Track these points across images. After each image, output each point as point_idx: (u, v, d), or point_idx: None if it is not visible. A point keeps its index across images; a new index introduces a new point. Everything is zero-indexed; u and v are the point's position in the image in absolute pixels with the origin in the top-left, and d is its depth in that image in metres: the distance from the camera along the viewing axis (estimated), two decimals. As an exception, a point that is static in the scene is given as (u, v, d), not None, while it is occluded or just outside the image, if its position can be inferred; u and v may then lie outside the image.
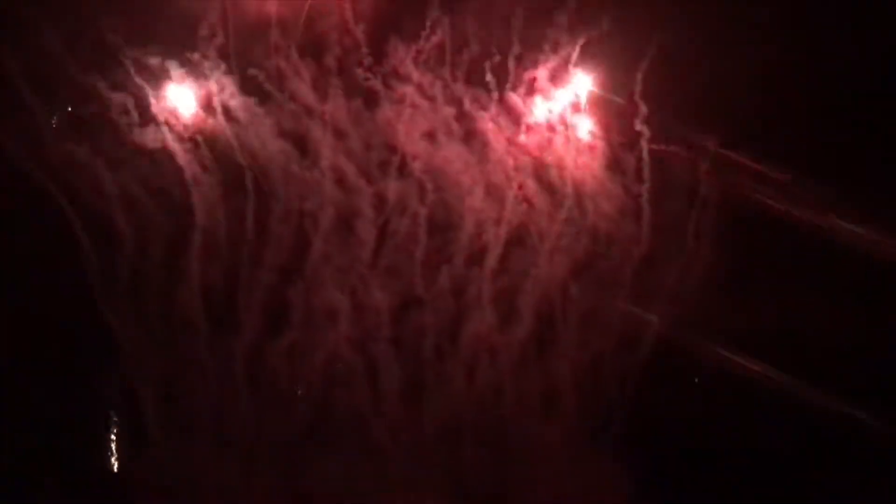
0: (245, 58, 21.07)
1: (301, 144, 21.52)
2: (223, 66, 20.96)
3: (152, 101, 21.01)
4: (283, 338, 21.72)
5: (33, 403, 20.97)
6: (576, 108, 21.43)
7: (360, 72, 20.96)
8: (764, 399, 21.30)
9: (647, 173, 21.37)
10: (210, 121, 21.25)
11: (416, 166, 21.51)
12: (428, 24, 20.74)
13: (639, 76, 20.72)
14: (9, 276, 20.80)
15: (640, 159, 21.33)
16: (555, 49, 20.88)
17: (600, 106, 21.47)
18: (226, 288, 21.68)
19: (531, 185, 21.62)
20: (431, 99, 21.17)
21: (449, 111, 21.23)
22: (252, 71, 21.04)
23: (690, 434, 21.31)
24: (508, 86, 21.16)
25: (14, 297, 20.87)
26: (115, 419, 21.86)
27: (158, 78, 20.89)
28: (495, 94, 21.21)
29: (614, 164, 21.43)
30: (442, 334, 21.91)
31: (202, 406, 21.65)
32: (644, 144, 21.21)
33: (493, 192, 21.68)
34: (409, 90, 21.06)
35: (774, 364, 21.23)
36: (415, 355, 21.86)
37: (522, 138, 21.43)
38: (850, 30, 20.62)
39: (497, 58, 20.92)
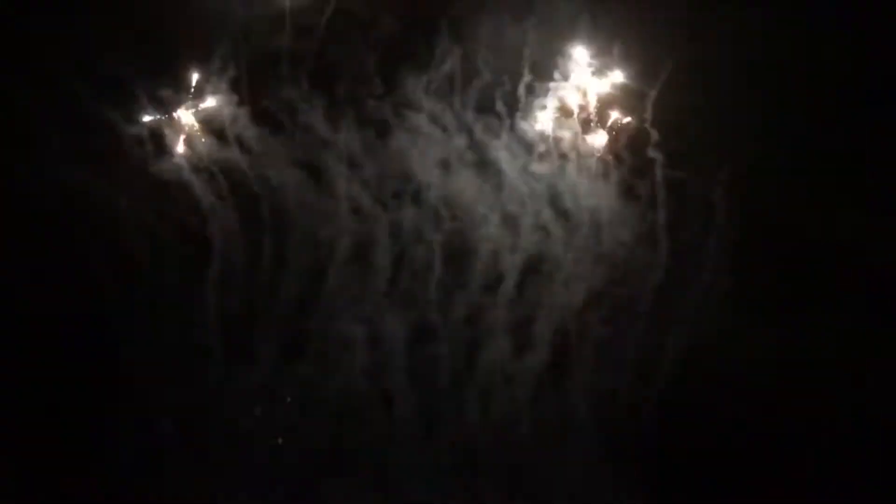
0: (258, 89, 21.27)
1: (315, 173, 21.65)
2: (236, 98, 21.19)
3: (167, 132, 21.14)
4: (300, 366, 21.76)
5: (49, 430, 21.07)
6: (587, 132, 21.42)
7: (371, 101, 21.16)
8: (784, 423, 21.08)
9: (660, 198, 21.26)
10: (224, 151, 21.38)
11: (430, 194, 21.58)
12: (438, 53, 20.96)
13: (650, 102, 20.78)
14: (28, 306, 20.96)
15: (653, 184, 21.24)
16: (565, 76, 21.00)
17: (614, 130, 21.44)
18: (243, 316, 21.79)
19: (545, 212, 21.59)
20: (443, 127, 21.29)
21: (461, 139, 21.35)
22: (265, 102, 21.24)
23: (709, 462, 21.07)
24: (519, 113, 21.27)
25: (32, 326, 20.99)
26: (133, 447, 21.83)
27: (173, 110, 21.08)
28: (507, 122, 21.33)
29: (628, 190, 21.36)
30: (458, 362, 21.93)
31: (219, 434, 21.73)
32: (658, 169, 21.15)
33: (508, 219, 21.68)
34: (420, 118, 21.19)
35: (793, 388, 20.92)
36: (430, 383, 21.81)
37: (534, 166, 21.44)
38: (868, 54, 20.58)
39: (508, 86, 21.13)
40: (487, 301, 21.68)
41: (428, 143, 21.30)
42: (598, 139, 21.21)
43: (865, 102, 20.59)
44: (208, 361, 21.69)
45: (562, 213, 21.47)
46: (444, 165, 21.48)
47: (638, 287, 21.40)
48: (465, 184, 21.50)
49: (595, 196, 21.21)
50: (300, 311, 21.80)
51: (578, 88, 21.03)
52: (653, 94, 20.60)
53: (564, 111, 21.24)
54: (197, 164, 21.34)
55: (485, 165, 21.53)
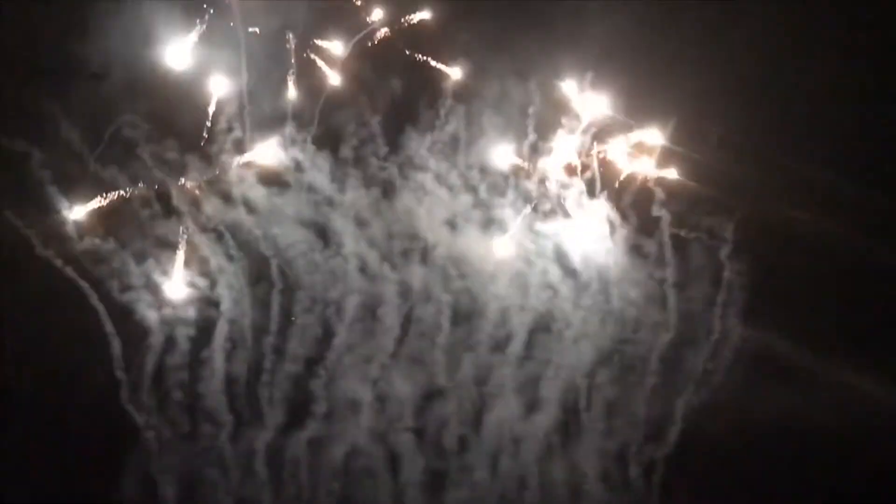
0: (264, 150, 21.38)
1: (321, 233, 21.64)
2: (242, 159, 21.25)
3: (173, 193, 21.15)
4: (307, 429, 21.59)
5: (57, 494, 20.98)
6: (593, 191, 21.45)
7: (376, 161, 21.28)
8: (796, 486, 20.89)
9: (667, 256, 21.16)
10: (231, 212, 21.39)
11: (436, 253, 21.57)
12: (442, 113, 21.08)
13: (655, 159, 20.77)
14: (34, 368, 20.92)
15: (660, 242, 21.16)
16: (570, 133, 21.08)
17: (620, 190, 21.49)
18: (249, 379, 21.66)
19: (552, 270, 21.50)
20: (448, 186, 21.35)
21: (466, 198, 21.42)
22: (271, 161, 21.32)
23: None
24: (524, 172, 21.34)
25: (39, 389, 20.95)
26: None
27: (179, 171, 21.14)
28: (512, 181, 21.40)
29: (636, 248, 21.30)
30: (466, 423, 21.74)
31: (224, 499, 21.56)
32: (664, 227, 21.09)
33: (514, 278, 21.60)
34: (426, 178, 21.32)
35: (805, 450, 20.73)
36: (438, 445, 21.62)
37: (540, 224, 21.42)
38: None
39: (513, 145, 21.29)
40: (495, 361, 21.56)
41: (433, 202, 21.37)
42: (604, 197, 21.24)
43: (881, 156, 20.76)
44: (215, 424, 21.51)
45: (569, 272, 21.46)
46: (450, 224, 21.51)
47: (647, 347, 21.31)
48: (471, 243, 21.47)
49: (602, 254, 21.16)
50: (307, 372, 21.65)
51: (584, 146, 21.16)
52: (659, 150, 20.76)
53: (569, 170, 21.31)
54: (204, 224, 21.31)
55: (490, 224, 21.53)
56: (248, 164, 21.31)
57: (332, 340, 21.61)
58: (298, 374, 21.64)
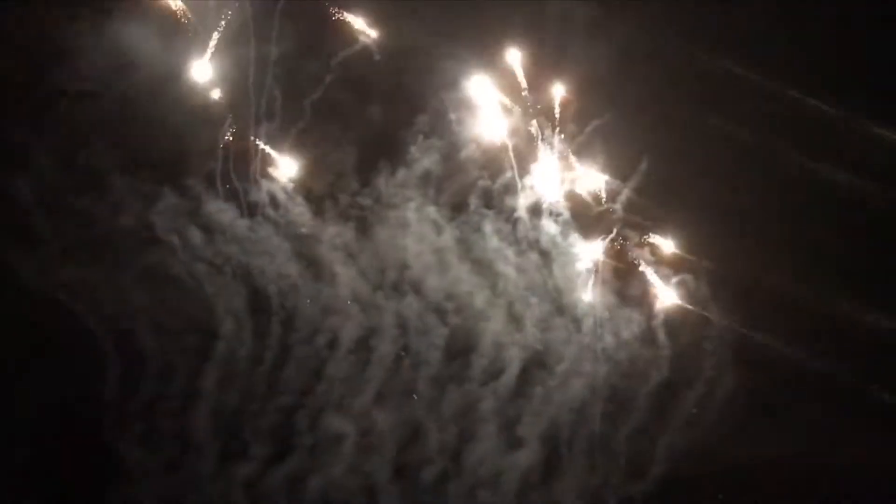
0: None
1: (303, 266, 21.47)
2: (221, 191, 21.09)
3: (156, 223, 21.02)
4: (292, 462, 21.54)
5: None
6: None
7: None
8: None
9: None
10: (214, 243, 21.24)
11: (409, 287, 21.35)
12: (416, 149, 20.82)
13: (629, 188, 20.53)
14: (24, 398, 21.20)
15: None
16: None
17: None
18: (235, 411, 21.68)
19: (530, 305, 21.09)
20: (423, 221, 21.08)
21: (441, 233, 21.18)
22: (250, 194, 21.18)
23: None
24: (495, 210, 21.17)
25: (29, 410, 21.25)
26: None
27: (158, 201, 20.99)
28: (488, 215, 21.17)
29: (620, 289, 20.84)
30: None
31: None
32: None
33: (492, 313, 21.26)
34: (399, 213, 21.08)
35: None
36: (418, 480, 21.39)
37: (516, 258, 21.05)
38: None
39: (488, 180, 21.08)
40: (476, 395, 21.27)
41: (407, 237, 21.12)
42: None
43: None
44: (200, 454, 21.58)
45: (544, 305, 21.10)
46: (425, 259, 21.23)
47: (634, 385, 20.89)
48: (447, 277, 21.25)
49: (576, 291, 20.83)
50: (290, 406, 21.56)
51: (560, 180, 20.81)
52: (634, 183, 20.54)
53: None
54: (186, 254, 21.18)
55: (466, 259, 21.26)
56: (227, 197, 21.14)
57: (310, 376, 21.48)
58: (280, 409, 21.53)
